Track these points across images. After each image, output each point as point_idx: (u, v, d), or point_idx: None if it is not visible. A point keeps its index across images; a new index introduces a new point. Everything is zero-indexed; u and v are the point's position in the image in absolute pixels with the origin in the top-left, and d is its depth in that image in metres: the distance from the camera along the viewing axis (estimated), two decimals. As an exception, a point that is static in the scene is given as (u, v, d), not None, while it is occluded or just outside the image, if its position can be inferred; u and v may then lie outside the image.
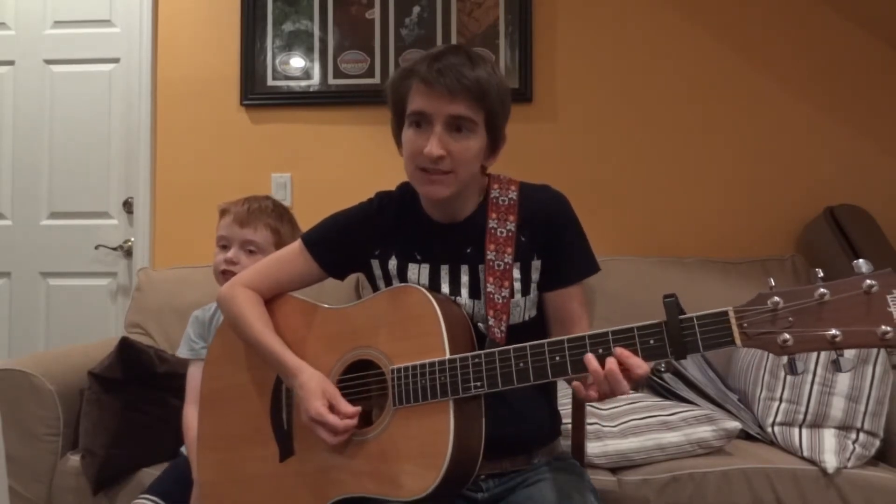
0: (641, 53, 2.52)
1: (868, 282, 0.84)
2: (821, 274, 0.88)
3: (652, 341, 0.96)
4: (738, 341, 0.91)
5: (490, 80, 1.15)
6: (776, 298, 0.89)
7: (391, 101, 1.23)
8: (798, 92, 2.48)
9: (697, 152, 2.50)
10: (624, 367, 0.97)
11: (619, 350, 0.98)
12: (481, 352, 1.07)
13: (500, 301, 1.18)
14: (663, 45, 2.52)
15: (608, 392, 0.98)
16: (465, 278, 1.22)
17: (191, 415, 1.58)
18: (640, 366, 0.97)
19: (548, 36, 2.54)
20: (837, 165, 2.45)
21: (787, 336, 0.88)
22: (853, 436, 1.62)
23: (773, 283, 0.92)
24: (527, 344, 1.04)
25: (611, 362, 0.97)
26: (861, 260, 0.86)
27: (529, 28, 2.51)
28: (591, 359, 0.98)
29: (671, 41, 2.51)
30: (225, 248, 1.65)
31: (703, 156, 2.50)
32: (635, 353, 0.97)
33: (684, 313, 0.95)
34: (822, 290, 0.87)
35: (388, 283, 1.27)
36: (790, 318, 0.88)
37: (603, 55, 2.53)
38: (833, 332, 0.85)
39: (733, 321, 0.91)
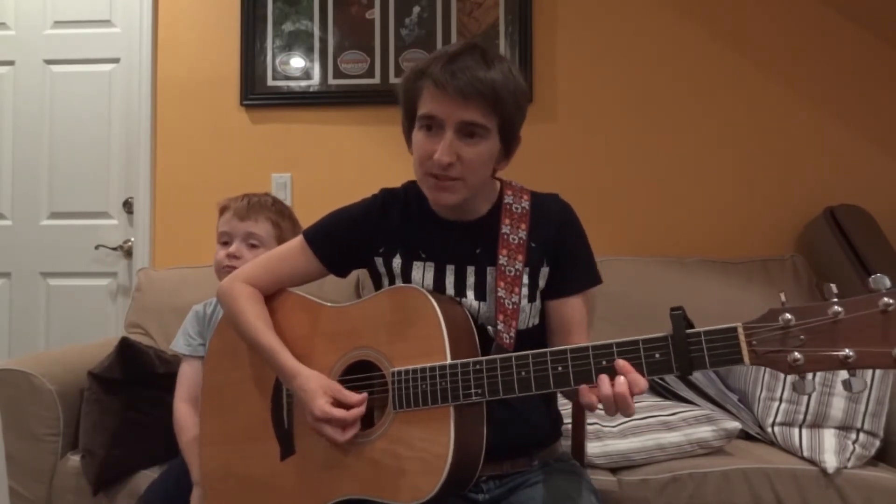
0: (641, 53, 2.52)
1: (885, 300, 0.80)
2: (835, 290, 0.84)
3: (657, 355, 0.94)
4: (746, 359, 0.87)
5: (506, 83, 1.10)
6: (788, 315, 0.85)
7: (402, 101, 1.19)
8: (798, 92, 2.47)
9: (697, 152, 2.50)
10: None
11: (620, 362, 0.94)
12: (483, 358, 1.06)
13: (511, 306, 1.17)
14: (663, 45, 2.51)
15: (614, 413, 0.94)
16: (471, 279, 1.21)
17: (184, 412, 1.56)
18: (639, 383, 0.93)
19: (548, 36, 2.54)
20: (837, 165, 2.45)
21: (797, 355, 0.84)
22: (853, 436, 1.62)
23: (784, 299, 0.87)
24: (529, 352, 1.03)
25: (621, 385, 0.93)
26: (878, 275, 0.81)
27: (529, 28, 2.51)
28: (605, 381, 0.94)
29: (671, 41, 2.51)
30: (226, 244, 1.62)
31: (703, 156, 2.50)
32: (640, 367, 0.94)
33: (692, 327, 0.92)
34: (836, 307, 0.83)
35: (392, 281, 1.25)
36: (801, 337, 0.84)
37: (603, 55, 2.53)
38: (846, 352, 0.81)
39: (742, 338, 0.88)
